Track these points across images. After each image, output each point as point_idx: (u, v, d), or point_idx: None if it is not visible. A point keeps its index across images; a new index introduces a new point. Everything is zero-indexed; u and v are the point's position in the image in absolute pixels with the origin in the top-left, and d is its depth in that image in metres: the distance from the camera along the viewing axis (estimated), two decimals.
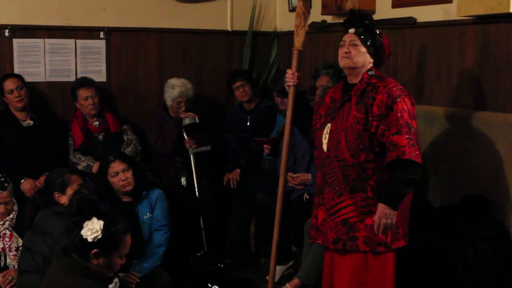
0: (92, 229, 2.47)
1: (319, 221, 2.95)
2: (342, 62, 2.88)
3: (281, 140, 4.07)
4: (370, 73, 2.84)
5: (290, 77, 3.04)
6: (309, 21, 4.72)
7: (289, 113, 3.08)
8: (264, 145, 4.20)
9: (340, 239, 2.84)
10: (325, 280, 3.04)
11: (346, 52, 2.85)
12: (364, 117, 2.76)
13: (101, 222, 2.48)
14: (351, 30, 2.85)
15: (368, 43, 2.83)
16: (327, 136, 2.89)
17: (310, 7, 4.63)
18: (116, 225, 2.53)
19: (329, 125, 2.89)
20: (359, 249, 2.80)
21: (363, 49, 2.83)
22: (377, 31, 2.85)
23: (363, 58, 2.84)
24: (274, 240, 3.15)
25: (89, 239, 2.47)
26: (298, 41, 3.08)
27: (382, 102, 2.73)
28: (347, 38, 2.87)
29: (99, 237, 2.47)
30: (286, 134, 3.11)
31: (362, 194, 2.79)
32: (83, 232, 2.47)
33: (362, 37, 2.83)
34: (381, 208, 2.73)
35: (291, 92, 3.05)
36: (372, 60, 2.86)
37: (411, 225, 2.90)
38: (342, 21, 2.99)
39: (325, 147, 2.89)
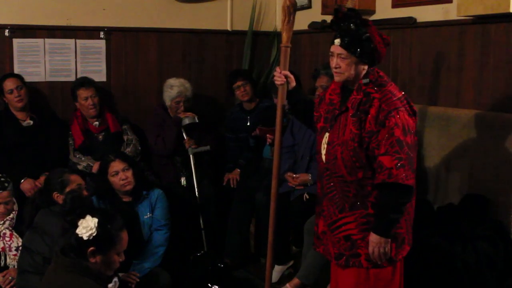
0: (87, 226, 2.47)
1: (319, 230, 2.89)
2: (336, 78, 2.71)
3: (285, 131, 4.08)
4: (365, 81, 2.65)
5: (278, 76, 2.90)
6: (309, 21, 4.78)
7: (278, 113, 2.97)
8: (267, 135, 4.21)
9: (342, 254, 2.75)
10: None
11: (336, 67, 2.66)
12: (359, 133, 2.61)
13: (95, 220, 2.48)
14: (337, 42, 2.63)
15: (357, 53, 2.60)
16: (325, 146, 2.76)
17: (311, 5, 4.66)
18: (111, 221, 2.53)
19: (327, 134, 2.76)
20: (362, 266, 2.72)
21: (352, 60, 2.62)
22: (366, 36, 2.59)
23: (355, 69, 2.64)
24: (269, 240, 3.13)
25: (85, 237, 2.47)
26: (284, 37, 2.92)
27: (373, 117, 2.57)
28: (334, 50, 2.66)
29: (94, 234, 2.47)
30: (277, 134, 2.99)
31: (363, 210, 2.68)
32: (78, 230, 2.47)
33: (349, 48, 2.60)
34: (372, 237, 2.63)
35: (280, 91, 2.93)
36: (366, 66, 2.65)
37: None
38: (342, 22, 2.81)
39: (323, 157, 2.78)
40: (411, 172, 2.54)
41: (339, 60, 2.65)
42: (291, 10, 2.90)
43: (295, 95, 2.96)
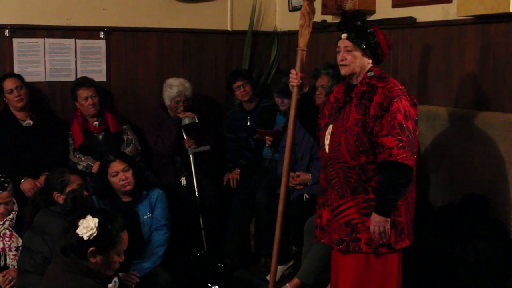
0: (87, 227, 2.46)
1: (323, 221, 2.96)
2: (342, 71, 2.88)
3: (283, 133, 4.10)
4: (369, 74, 2.82)
5: (294, 77, 3.06)
6: None
7: (292, 113, 3.09)
8: (267, 136, 4.21)
9: (343, 240, 2.84)
10: (332, 279, 3.04)
11: (342, 60, 2.84)
12: (363, 118, 2.75)
13: (96, 220, 2.48)
14: (344, 36, 2.84)
15: (362, 45, 2.80)
16: (329, 137, 2.89)
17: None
18: (112, 222, 2.53)
19: (331, 126, 2.90)
20: (362, 251, 2.80)
21: (358, 53, 2.81)
22: (371, 30, 2.81)
23: (360, 62, 2.82)
24: (276, 240, 3.15)
25: (85, 237, 2.46)
26: (302, 41, 3.09)
27: (378, 103, 2.72)
28: (341, 44, 2.86)
29: (94, 234, 2.47)
30: (289, 134, 3.11)
31: (364, 195, 2.79)
32: (78, 230, 2.47)
33: (355, 41, 2.80)
34: (373, 217, 2.74)
35: (294, 92, 3.07)
36: (370, 61, 2.84)
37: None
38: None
39: (327, 148, 2.90)
40: (411, 154, 2.66)
41: (346, 53, 2.84)
42: (311, 16, 3.08)
43: (307, 99, 3.11)
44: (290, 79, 3.07)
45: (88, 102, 4.43)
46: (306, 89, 3.11)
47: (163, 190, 3.83)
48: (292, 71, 3.08)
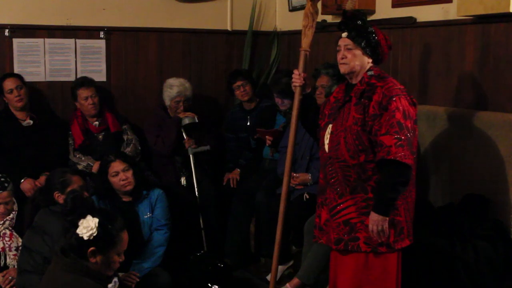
0: (87, 226, 2.46)
1: (322, 221, 2.96)
2: (341, 69, 2.89)
3: (283, 133, 4.10)
4: (369, 73, 2.83)
5: (297, 78, 3.06)
6: None
7: (294, 113, 3.10)
8: (267, 136, 4.21)
9: (341, 239, 2.84)
10: (331, 279, 3.04)
11: (343, 58, 2.85)
12: (362, 117, 2.76)
13: (96, 220, 2.48)
14: (344, 34, 2.85)
15: (363, 44, 2.81)
16: (328, 136, 2.90)
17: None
18: (112, 222, 2.53)
19: (330, 125, 2.91)
20: (360, 250, 2.80)
21: (358, 51, 2.82)
22: (371, 30, 2.82)
23: (360, 60, 2.83)
24: (277, 240, 3.15)
25: (85, 237, 2.46)
26: (305, 42, 3.10)
27: (377, 102, 2.72)
28: (341, 42, 2.87)
29: (94, 234, 2.47)
30: (291, 134, 3.11)
31: (363, 194, 2.79)
32: (78, 230, 2.47)
33: (356, 39, 2.81)
34: (372, 215, 2.74)
35: (297, 92, 3.08)
36: (370, 60, 2.84)
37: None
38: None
39: (326, 147, 2.91)
40: (410, 153, 2.66)
41: (346, 52, 2.84)
42: (314, 16, 3.11)
43: (309, 100, 3.12)
44: (293, 80, 3.08)
45: (88, 102, 4.43)
46: (308, 90, 3.12)
47: (163, 190, 3.83)
48: (295, 71, 3.08)
